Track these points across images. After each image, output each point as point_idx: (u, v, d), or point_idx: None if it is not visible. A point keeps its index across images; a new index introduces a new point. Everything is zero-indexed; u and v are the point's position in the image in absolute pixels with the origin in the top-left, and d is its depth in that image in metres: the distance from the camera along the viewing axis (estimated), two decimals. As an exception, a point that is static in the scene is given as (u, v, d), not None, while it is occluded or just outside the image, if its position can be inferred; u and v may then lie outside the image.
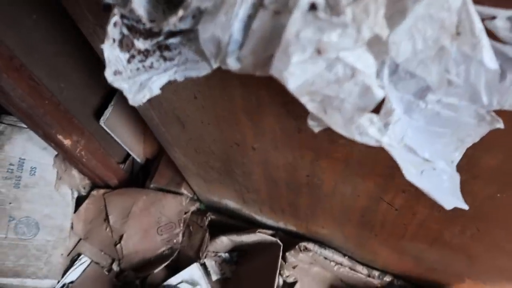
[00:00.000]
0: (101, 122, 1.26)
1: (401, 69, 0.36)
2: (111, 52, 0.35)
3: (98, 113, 1.30)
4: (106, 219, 1.38)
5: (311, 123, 0.40)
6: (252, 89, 0.59)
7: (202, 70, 0.39)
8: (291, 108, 0.60)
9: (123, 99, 1.31)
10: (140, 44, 0.38)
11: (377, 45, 0.33)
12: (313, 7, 0.30)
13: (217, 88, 0.63)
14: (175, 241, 1.34)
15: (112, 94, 1.32)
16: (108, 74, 0.35)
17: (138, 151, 1.52)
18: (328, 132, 0.63)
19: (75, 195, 1.41)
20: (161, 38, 0.39)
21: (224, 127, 0.76)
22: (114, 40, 0.35)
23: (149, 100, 0.78)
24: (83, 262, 1.34)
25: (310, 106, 0.34)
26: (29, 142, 1.29)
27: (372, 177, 0.68)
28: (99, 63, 1.04)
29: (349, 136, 0.35)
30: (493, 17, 0.32)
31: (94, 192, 1.41)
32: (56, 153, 1.34)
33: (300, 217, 1.04)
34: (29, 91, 1.03)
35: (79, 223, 1.37)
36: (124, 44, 0.36)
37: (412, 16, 0.31)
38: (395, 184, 0.67)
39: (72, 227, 1.36)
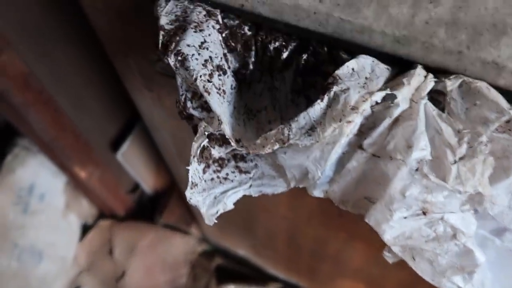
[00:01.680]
0: (119, 155, 1.23)
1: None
2: (192, 168, 0.33)
3: (114, 144, 1.28)
4: (111, 252, 1.34)
5: (387, 254, 0.38)
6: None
7: (278, 187, 0.37)
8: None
9: (141, 132, 1.29)
10: (215, 152, 0.37)
11: (473, 197, 0.32)
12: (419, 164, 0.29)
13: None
14: (179, 283, 1.30)
15: (129, 126, 1.31)
16: (188, 191, 0.34)
17: (149, 183, 1.50)
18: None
19: (82, 223, 1.37)
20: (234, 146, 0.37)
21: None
22: (194, 156, 0.34)
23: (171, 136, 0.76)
24: (83, 295, 1.30)
25: (398, 250, 0.33)
26: (41, 167, 1.27)
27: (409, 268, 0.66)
28: (121, 93, 1.02)
29: (435, 284, 0.34)
30: None
31: (101, 223, 1.38)
32: (66, 179, 1.31)
33: (317, 280, 1.01)
34: (53, 124, 1.01)
35: (83, 253, 1.33)
36: (204, 156, 0.35)
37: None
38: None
39: (75, 257, 1.32)
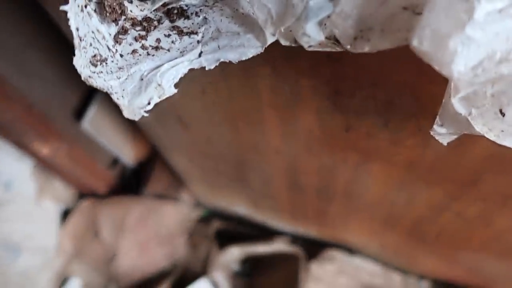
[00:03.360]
0: (84, 124, 1.08)
1: None
2: (82, 22, 0.18)
3: (79, 113, 1.12)
4: (98, 233, 1.21)
5: (439, 130, 0.23)
6: (289, 78, 0.43)
7: (247, 48, 0.22)
8: (341, 100, 0.44)
9: (107, 97, 1.14)
10: (135, 9, 0.21)
11: None
12: None
13: (236, 78, 0.46)
14: (177, 254, 1.17)
15: (94, 90, 1.14)
16: (80, 63, 0.19)
17: (128, 153, 1.35)
18: (391, 129, 0.46)
19: (60, 208, 1.23)
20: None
21: (240, 126, 0.59)
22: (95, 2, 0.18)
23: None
24: (75, 285, 1.17)
25: (465, 108, 0.18)
26: (2, 153, 1.11)
27: (443, 184, 0.52)
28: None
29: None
30: None
31: (81, 204, 1.24)
32: (33, 163, 1.15)
33: (327, 224, 0.88)
34: (-8, 93, 0.85)
35: (66, 239, 1.20)
36: (107, 7, 0.19)
37: None
38: (475, 191, 0.51)
39: (59, 246, 1.18)
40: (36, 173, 1.17)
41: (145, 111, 0.21)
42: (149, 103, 0.21)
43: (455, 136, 0.23)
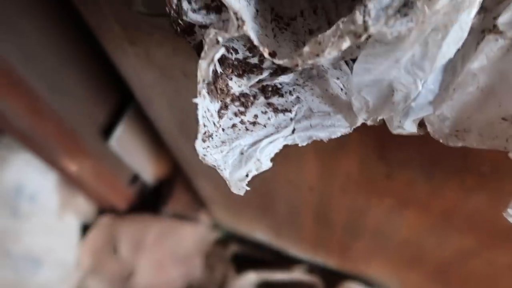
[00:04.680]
0: (112, 142, 1.10)
1: None
2: (202, 105, 0.20)
3: (105, 131, 1.14)
4: (116, 249, 1.22)
5: (510, 212, 0.25)
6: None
7: (336, 128, 0.24)
8: (386, 152, 0.46)
9: (134, 116, 1.16)
10: (234, 85, 0.23)
11: None
12: None
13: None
14: (193, 275, 1.18)
15: (121, 109, 1.17)
16: (198, 144, 0.21)
17: (149, 171, 1.37)
18: (433, 181, 0.48)
19: (80, 223, 1.25)
20: (265, 74, 0.24)
21: (278, 161, 0.61)
22: (204, 81, 0.20)
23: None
24: (90, 300, 1.18)
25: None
26: (27, 166, 1.13)
27: (476, 233, 0.53)
28: (108, 75, 0.89)
29: None
30: None
31: (102, 220, 1.26)
32: (57, 176, 1.18)
33: (350, 257, 0.89)
34: (28, 110, 0.88)
35: (85, 255, 1.21)
36: (219, 89, 0.22)
37: None
38: (509, 242, 0.52)
39: (77, 260, 1.20)
40: (59, 187, 1.19)
41: (245, 185, 0.23)
42: (247, 175, 0.23)
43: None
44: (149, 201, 1.40)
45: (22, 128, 0.91)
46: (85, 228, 1.25)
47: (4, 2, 0.75)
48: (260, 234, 1.05)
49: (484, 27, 0.18)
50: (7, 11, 0.77)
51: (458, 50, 0.19)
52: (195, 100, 0.19)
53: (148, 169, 1.35)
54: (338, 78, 0.24)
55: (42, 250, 1.12)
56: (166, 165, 1.38)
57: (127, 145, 1.18)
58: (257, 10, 0.23)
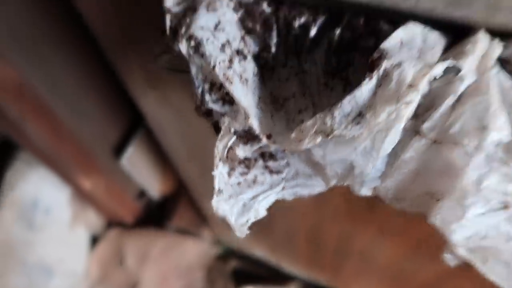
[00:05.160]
0: (123, 161, 1.18)
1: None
2: (218, 172, 0.28)
3: (116, 149, 1.22)
4: (123, 261, 1.30)
5: (448, 257, 0.33)
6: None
7: (315, 187, 0.32)
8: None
9: (145, 135, 1.24)
10: (240, 151, 0.32)
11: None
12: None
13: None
14: (195, 288, 1.26)
15: (132, 129, 1.26)
16: (214, 199, 0.29)
17: (155, 188, 1.45)
18: (406, 215, 0.56)
19: (90, 235, 1.33)
20: (264, 143, 0.32)
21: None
22: (220, 159, 0.29)
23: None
24: (97, 309, 1.25)
25: (464, 252, 0.28)
26: (44, 181, 1.22)
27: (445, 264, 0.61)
28: (121, 96, 0.97)
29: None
30: None
31: (110, 232, 1.34)
32: (70, 191, 1.26)
33: (340, 276, 0.97)
34: (52, 134, 0.96)
35: (94, 265, 1.29)
36: (229, 158, 0.30)
37: None
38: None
39: (86, 270, 1.27)
40: (72, 201, 1.27)
41: (246, 229, 0.31)
42: (247, 221, 0.31)
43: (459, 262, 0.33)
44: (155, 216, 1.47)
45: (41, 146, 0.99)
46: (94, 240, 1.33)
47: (36, 40, 0.84)
48: (258, 251, 1.13)
49: (415, 129, 0.27)
50: (38, 46, 0.86)
51: (399, 142, 0.27)
52: (214, 173, 0.28)
53: (154, 185, 1.43)
54: (320, 147, 0.32)
55: (54, 260, 1.19)
56: (172, 183, 1.46)
57: (136, 164, 1.26)
58: (259, 98, 0.31)
